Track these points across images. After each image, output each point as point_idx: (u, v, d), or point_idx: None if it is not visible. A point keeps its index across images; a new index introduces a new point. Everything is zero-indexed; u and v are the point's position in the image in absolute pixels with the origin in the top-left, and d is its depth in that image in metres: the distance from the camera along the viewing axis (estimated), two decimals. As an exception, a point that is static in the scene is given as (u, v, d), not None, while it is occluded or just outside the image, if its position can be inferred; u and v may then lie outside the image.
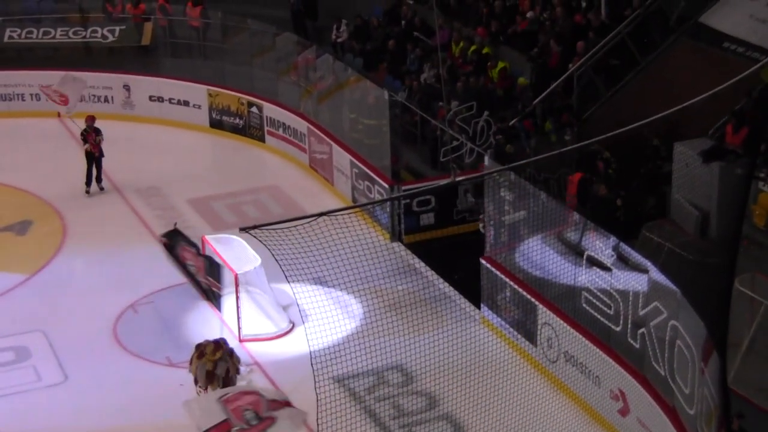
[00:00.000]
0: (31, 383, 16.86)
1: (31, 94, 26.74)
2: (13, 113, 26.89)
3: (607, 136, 14.40)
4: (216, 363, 15.61)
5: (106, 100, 26.98)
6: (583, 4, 23.11)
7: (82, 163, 22.82)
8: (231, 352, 15.94)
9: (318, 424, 14.54)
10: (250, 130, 25.74)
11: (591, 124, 21.25)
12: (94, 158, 22.60)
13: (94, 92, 26.75)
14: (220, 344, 15.83)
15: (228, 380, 15.59)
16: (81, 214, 22.16)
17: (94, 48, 28.18)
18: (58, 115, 25.11)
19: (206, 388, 15.42)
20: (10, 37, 27.91)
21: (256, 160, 25.29)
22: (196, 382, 15.74)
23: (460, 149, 21.77)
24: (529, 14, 23.85)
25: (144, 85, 26.93)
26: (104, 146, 22.61)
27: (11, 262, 20.32)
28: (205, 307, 18.89)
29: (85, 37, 28.11)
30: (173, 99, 26.77)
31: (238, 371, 15.84)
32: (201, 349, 15.71)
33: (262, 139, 25.62)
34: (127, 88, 26.99)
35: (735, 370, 15.46)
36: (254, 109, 25.60)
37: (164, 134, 26.44)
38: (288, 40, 25.68)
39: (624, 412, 16.05)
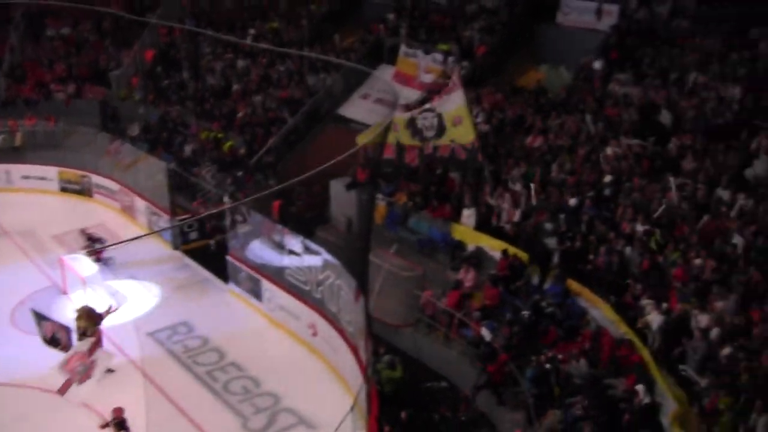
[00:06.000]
0: None
1: None
2: None
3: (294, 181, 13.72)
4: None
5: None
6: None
7: None
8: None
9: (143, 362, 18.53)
10: (84, 192, 29.55)
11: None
12: None
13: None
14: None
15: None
16: None
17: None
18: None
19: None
20: None
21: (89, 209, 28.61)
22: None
23: (207, 191, 25.85)
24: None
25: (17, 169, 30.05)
26: None
27: None
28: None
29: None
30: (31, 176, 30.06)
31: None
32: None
33: (90, 195, 29.41)
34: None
35: (372, 303, 17.96)
36: (86, 179, 29.90)
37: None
38: (104, 137, 29.84)
39: (315, 334, 19.58)
